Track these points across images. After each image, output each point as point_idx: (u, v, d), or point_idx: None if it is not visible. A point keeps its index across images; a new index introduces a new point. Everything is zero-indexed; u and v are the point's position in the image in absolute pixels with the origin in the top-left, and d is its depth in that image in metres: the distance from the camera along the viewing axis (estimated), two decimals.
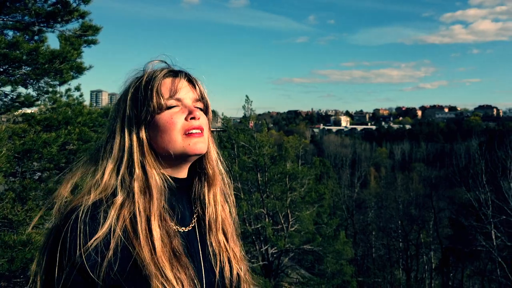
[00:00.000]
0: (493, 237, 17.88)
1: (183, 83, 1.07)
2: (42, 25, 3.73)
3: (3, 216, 2.50)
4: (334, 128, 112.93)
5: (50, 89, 4.32)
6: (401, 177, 44.76)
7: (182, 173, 1.10)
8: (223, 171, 1.19)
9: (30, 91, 3.89)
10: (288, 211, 14.95)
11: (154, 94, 1.03)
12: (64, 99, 5.74)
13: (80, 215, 0.93)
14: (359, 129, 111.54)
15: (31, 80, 3.41)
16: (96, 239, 0.92)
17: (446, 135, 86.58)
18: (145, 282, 0.92)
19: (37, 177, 3.16)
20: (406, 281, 24.63)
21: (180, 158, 1.05)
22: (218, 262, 1.10)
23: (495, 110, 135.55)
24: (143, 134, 1.04)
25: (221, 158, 1.19)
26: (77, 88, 5.75)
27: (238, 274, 1.13)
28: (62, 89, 5.67)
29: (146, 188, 1.00)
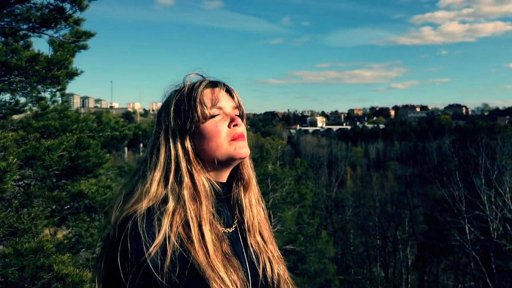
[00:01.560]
0: (467, 231, 18.54)
1: (223, 93, 1.14)
2: (37, 31, 3.71)
3: (9, 225, 2.50)
4: (311, 129, 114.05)
5: (40, 95, 4.29)
6: (377, 175, 45.77)
7: (223, 177, 1.16)
8: (253, 174, 1.24)
9: (18, 97, 3.87)
10: (271, 212, 15.08)
11: (198, 105, 1.09)
12: (49, 103, 5.67)
13: (137, 223, 0.97)
14: (334, 129, 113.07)
15: (29, 88, 3.38)
16: (155, 246, 0.95)
17: (418, 134, 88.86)
18: (204, 285, 0.97)
19: (33, 184, 3.16)
20: (385, 278, 25.20)
21: (225, 163, 1.11)
22: (261, 262, 1.13)
23: (464, 109, 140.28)
24: (188, 143, 1.09)
25: (251, 162, 1.25)
26: (62, 94, 5.69)
27: (278, 274, 1.16)
28: (47, 94, 5.61)
29: (196, 195, 1.05)
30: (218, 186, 1.12)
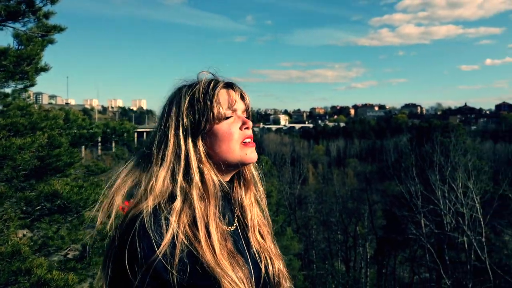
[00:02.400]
0: (423, 225, 19.39)
1: (237, 96, 1.14)
2: (1, 23, 3.51)
3: None
4: (274, 127, 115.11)
5: (6, 92, 4.08)
6: (338, 172, 46.96)
7: (228, 177, 1.16)
8: (256, 174, 1.25)
9: None
10: None
11: (215, 105, 1.08)
12: (10, 100, 5.41)
13: (145, 222, 0.96)
14: (297, 128, 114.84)
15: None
16: (164, 245, 0.95)
17: (377, 132, 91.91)
18: (214, 283, 0.97)
19: (3, 185, 3.01)
20: (346, 272, 25.95)
21: (234, 166, 1.12)
22: (263, 260, 1.15)
23: (419, 108, 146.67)
24: (200, 142, 1.08)
25: (255, 163, 1.24)
26: (25, 90, 5.43)
27: (279, 270, 1.18)
28: (8, 90, 5.35)
29: (204, 194, 1.04)
30: (226, 186, 1.12)
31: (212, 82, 1.12)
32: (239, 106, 1.14)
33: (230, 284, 0.98)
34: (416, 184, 19.78)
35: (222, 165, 1.10)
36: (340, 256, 28.23)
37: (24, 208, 2.96)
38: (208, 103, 1.08)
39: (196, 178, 1.04)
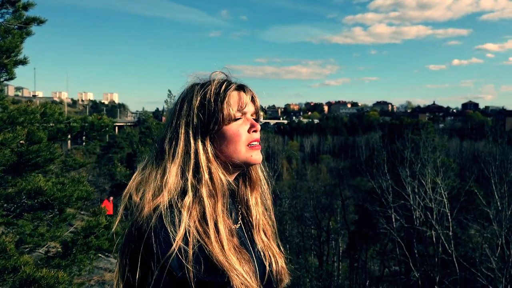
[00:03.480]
0: (393, 220, 19.97)
1: (248, 98, 1.16)
2: None
3: None
4: None
5: None
6: (311, 168, 47.62)
7: (233, 176, 1.18)
8: (262, 176, 1.28)
9: None
10: None
11: (225, 106, 1.10)
12: None
13: (162, 217, 1.00)
14: (272, 123, 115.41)
15: None
16: (178, 240, 0.98)
17: (349, 129, 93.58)
18: (223, 276, 1.01)
19: None
20: (319, 265, 26.42)
21: (240, 166, 1.14)
22: (267, 258, 1.18)
23: (390, 105, 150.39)
24: (208, 142, 1.10)
25: (261, 164, 1.26)
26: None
27: (282, 267, 1.22)
28: None
29: (213, 191, 1.07)
30: (233, 185, 1.15)
31: (225, 84, 1.14)
32: (249, 108, 1.16)
33: (238, 277, 1.01)
34: (387, 180, 20.27)
35: (228, 164, 1.13)
36: (313, 250, 28.71)
37: (5, 205, 2.88)
38: (219, 104, 1.10)
39: (206, 176, 1.07)
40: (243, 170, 1.20)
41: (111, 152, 31.34)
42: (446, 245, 16.68)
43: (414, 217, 19.12)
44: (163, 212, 1.01)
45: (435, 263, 17.44)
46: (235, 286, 1.01)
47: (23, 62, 3.45)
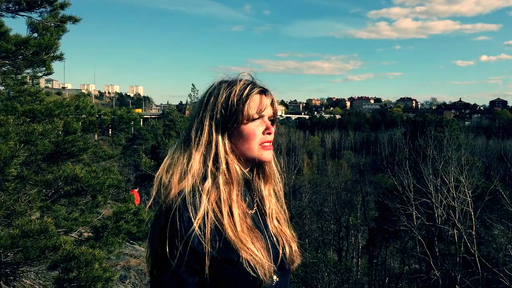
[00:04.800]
0: (414, 217, 19.75)
1: (268, 102, 1.28)
2: (18, 12, 3.62)
3: (6, 207, 2.54)
4: None
5: (24, 79, 4.18)
6: (332, 164, 47.34)
7: (248, 169, 1.31)
8: (275, 170, 1.39)
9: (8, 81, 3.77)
10: None
11: (246, 107, 1.22)
12: (28, 87, 5.51)
13: (185, 199, 1.13)
14: (293, 118, 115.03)
15: (18, 72, 3.33)
16: (198, 219, 1.11)
17: (371, 125, 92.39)
18: (235, 253, 1.13)
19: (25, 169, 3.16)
20: (338, 260, 26.42)
21: (252, 161, 1.28)
22: (281, 243, 1.29)
23: (414, 102, 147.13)
24: (226, 136, 1.23)
25: (276, 160, 1.40)
26: (35, 77, 5.54)
27: (295, 250, 1.33)
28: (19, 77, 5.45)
29: (229, 179, 1.20)
30: (247, 175, 1.28)
31: (249, 86, 1.25)
32: (267, 111, 1.28)
33: (248, 253, 1.14)
34: (409, 177, 20.03)
35: (241, 158, 1.26)
36: (332, 245, 28.70)
37: (44, 190, 3.14)
38: (241, 105, 1.22)
39: (223, 165, 1.21)
40: (255, 165, 1.32)
41: (136, 143, 32.06)
42: (468, 244, 16.40)
43: (436, 215, 18.83)
44: (186, 194, 1.14)
45: (456, 262, 17.19)
46: (245, 261, 1.13)
47: (60, 58, 3.70)
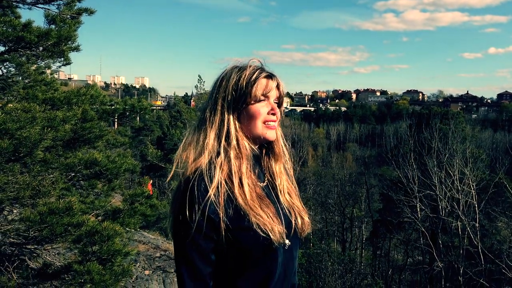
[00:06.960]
0: (418, 209, 19.89)
1: (274, 86, 1.41)
2: (36, 5, 3.80)
3: (32, 188, 2.75)
4: None
5: (42, 69, 4.37)
6: (337, 156, 47.43)
7: (256, 145, 1.44)
8: (285, 149, 1.52)
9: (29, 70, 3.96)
10: None
11: (254, 89, 1.36)
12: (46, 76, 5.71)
13: (203, 171, 1.29)
14: (298, 110, 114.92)
15: (39, 61, 3.52)
16: (213, 188, 1.26)
17: (377, 117, 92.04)
18: (246, 219, 1.26)
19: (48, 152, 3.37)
20: (342, 252, 26.67)
21: (258, 139, 1.41)
22: (293, 214, 1.42)
23: (420, 94, 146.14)
24: (235, 115, 1.37)
25: (285, 141, 1.52)
26: (48, 67, 5.74)
27: (306, 221, 1.46)
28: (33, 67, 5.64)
29: (240, 154, 1.35)
30: (256, 150, 1.42)
31: (258, 71, 1.39)
32: (273, 94, 1.42)
33: (257, 218, 1.26)
34: (413, 169, 20.12)
35: (249, 137, 1.40)
36: (336, 236, 28.96)
37: (65, 174, 3.35)
38: (249, 87, 1.36)
39: (234, 142, 1.35)
40: (263, 144, 1.45)
41: (142, 134, 32.35)
42: (472, 236, 16.53)
43: (440, 207, 18.95)
44: (203, 168, 1.30)
45: (459, 254, 17.34)
46: (256, 225, 1.25)
47: (77, 49, 3.88)
